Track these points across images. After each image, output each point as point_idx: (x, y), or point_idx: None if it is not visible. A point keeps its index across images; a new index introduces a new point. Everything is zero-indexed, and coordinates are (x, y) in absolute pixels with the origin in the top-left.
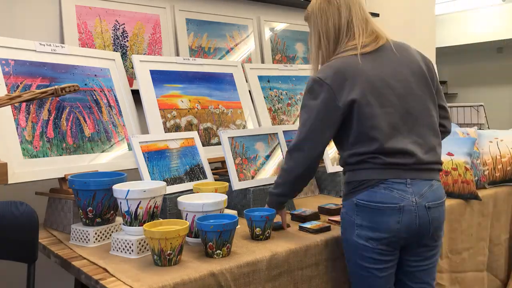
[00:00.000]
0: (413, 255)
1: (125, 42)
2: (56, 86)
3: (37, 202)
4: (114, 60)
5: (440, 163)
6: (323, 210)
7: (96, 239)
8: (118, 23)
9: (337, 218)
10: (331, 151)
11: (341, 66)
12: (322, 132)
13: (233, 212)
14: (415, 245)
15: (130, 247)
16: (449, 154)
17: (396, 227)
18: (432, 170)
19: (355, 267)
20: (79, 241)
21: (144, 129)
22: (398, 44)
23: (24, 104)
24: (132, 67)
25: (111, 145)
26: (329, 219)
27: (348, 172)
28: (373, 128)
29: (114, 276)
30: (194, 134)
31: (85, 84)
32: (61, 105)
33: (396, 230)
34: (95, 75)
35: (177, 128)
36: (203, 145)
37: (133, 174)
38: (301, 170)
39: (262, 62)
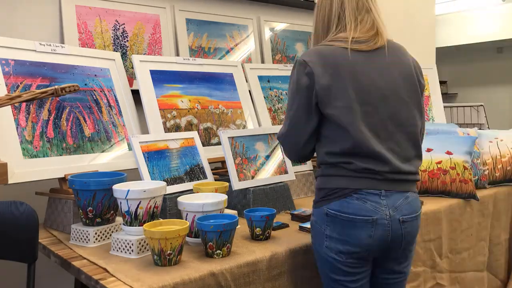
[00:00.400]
0: (382, 267)
1: (125, 42)
2: (56, 86)
3: (37, 202)
4: (114, 60)
5: (417, 173)
6: None
7: (96, 239)
8: (118, 23)
9: None
10: None
11: (327, 52)
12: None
13: (233, 212)
14: (384, 258)
15: (130, 247)
16: (448, 152)
17: (367, 241)
18: (408, 181)
19: (326, 278)
20: (79, 241)
21: (144, 129)
22: (395, 45)
23: (24, 104)
24: (132, 67)
25: (111, 145)
26: None
27: (320, 178)
28: (349, 124)
29: (114, 276)
30: (194, 134)
31: (85, 84)
32: (61, 105)
33: (368, 244)
34: (95, 75)
35: (177, 128)
36: (203, 145)
37: (133, 174)
38: (295, 158)
39: (262, 62)
